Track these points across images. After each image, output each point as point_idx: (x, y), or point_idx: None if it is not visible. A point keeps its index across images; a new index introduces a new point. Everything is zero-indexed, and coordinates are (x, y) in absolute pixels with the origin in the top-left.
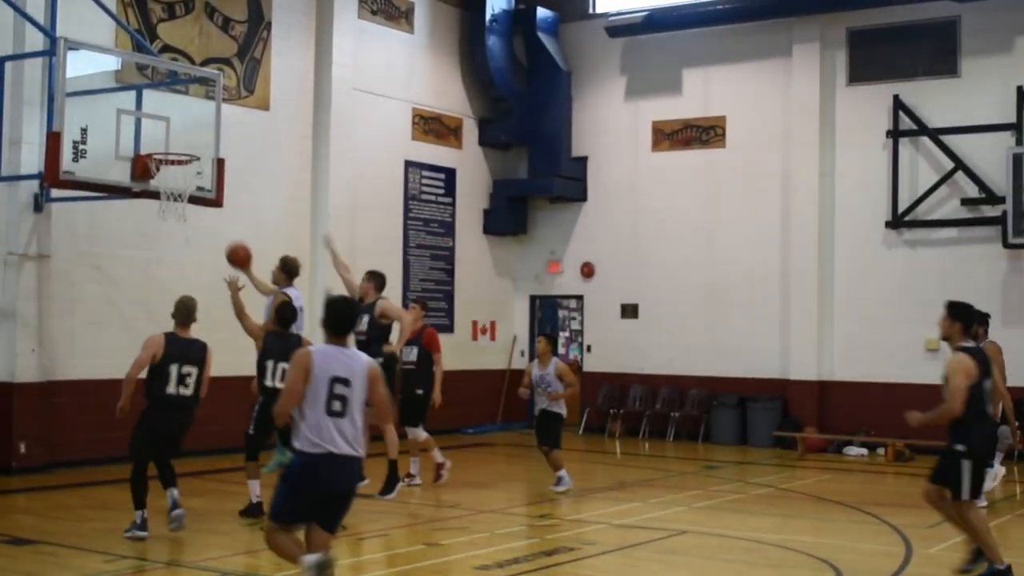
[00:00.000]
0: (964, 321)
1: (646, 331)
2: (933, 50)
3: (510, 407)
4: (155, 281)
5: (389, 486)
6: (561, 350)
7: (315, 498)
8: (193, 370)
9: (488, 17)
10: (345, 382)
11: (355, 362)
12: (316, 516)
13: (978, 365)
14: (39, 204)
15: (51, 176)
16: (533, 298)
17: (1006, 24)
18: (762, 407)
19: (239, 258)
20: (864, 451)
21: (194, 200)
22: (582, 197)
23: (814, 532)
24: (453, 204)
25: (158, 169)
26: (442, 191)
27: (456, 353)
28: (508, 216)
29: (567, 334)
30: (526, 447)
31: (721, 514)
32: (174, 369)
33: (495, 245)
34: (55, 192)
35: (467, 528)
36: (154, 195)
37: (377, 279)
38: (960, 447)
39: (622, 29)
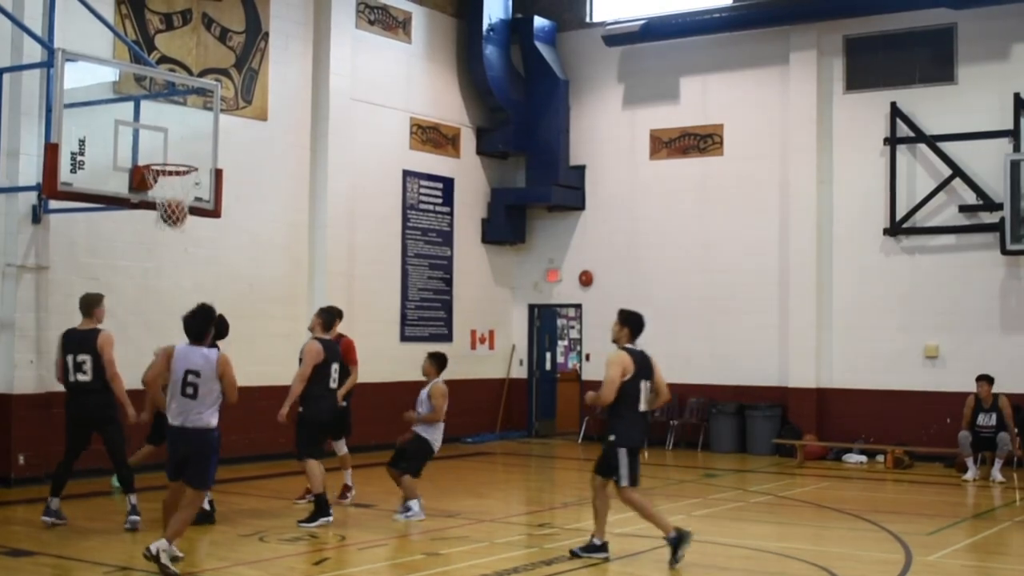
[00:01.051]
0: (632, 327)
1: (644, 339)
2: (930, 57)
3: (509, 416)
4: (153, 292)
5: (312, 517)
6: (560, 359)
7: (176, 459)
8: (87, 357)
9: (485, 27)
10: (196, 373)
11: (205, 358)
12: (183, 474)
13: (636, 364)
14: (37, 215)
15: (49, 187)
16: (532, 307)
17: (1002, 31)
18: (761, 415)
19: None
20: (863, 458)
21: (192, 211)
22: (580, 206)
23: (814, 540)
24: (451, 213)
25: (156, 180)
26: (440, 200)
27: (454, 362)
28: (506, 225)
29: (566, 343)
30: (525, 456)
31: (720, 522)
32: (70, 359)
33: (493, 254)
34: (53, 203)
35: (466, 537)
36: (152, 206)
37: (326, 315)
38: (612, 437)
39: (619, 38)
